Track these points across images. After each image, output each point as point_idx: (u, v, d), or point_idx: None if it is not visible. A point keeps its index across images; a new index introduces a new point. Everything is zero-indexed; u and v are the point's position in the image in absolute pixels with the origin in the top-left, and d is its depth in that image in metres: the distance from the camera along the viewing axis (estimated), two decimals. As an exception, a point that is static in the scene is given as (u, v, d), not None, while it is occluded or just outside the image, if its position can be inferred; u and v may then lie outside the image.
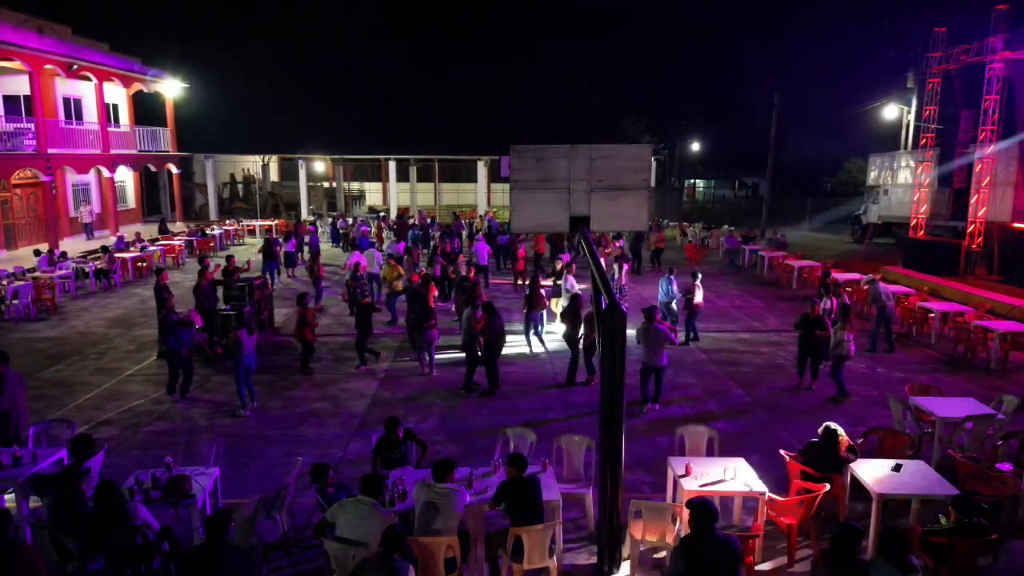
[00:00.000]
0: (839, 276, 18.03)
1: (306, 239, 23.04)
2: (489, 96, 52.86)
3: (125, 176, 32.31)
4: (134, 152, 31.28)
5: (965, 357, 13.32)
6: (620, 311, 5.03)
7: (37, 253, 19.90)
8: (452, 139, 41.84)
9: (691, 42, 58.54)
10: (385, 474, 6.75)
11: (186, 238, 26.48)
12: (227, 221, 32.50)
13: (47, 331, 15.10)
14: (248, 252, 24.22)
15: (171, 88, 33.21)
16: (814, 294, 14.93)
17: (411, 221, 27.94)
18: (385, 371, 12.44)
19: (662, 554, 6.62)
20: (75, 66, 26.34)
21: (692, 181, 55.74)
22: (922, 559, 5.72)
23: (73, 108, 28.75)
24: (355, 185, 44.98)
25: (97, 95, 28.57)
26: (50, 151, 24.99)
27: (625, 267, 18.50)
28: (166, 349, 11.08)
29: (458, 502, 6.04)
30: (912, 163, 27.13)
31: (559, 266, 16.28)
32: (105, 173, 28.96)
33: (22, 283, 16.50)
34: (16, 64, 23.82)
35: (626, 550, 6.50)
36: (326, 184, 43.19)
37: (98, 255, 20.73)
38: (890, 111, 33.10)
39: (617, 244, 21.22)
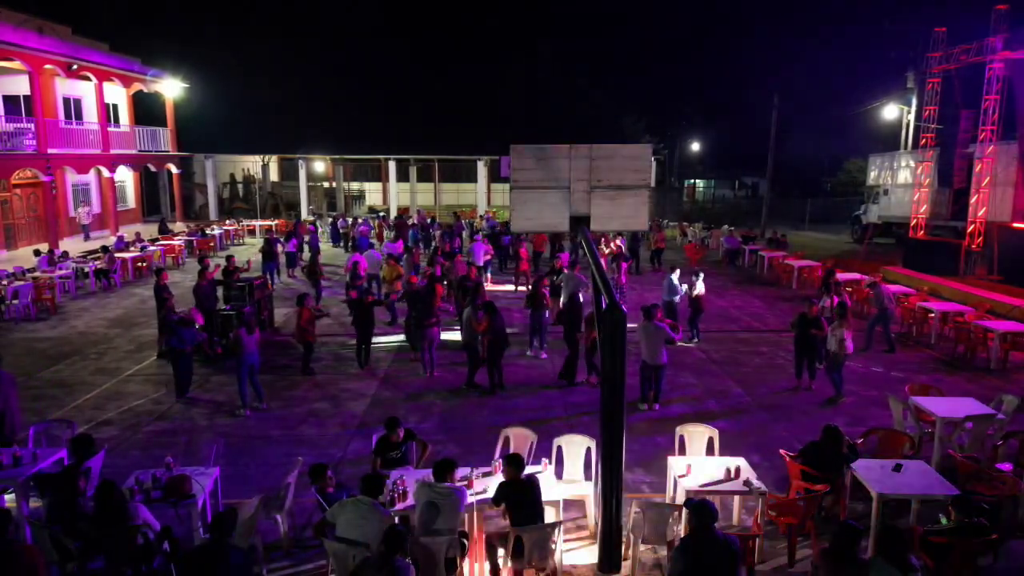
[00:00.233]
0: (839, 276, 18.01)
1: (306, 239, 23.04)
2: (489, 96, 52.87)
3: (125, 176, 32.31)
4: (134, 152, 31.28)
5: (965, 357, 13.32)
6: (620, 311, 5.02)
7: (37, 253, 19.90)
8: (452, 139, 41.86)
9: (691, 42, 58.58)
10: (385, 474, 6.75)
11: (186, 238, 26.47)
12: (227, 221, 32.50)
13: (47, 331, 15.10)
14: (248, 252, 24.23)
15: (171, 88, 33.21)
16: (814, 294, 14.95)
17: (410, 221, 27.95)
18: (385, 371, 12.44)
19: (662, 554, 6.62)
20: (75, 66, 26.35)
21: (692, 181, 55.74)
22: (922, 559, 5.73)
23: (73, 108, 28.75)
24: (355, 185, 45.00)
25: (97, 95, 28.58)
26: (50, 151, 24.99)
27: (623, 266, 18.49)
28: (168, 348, 11.05)
29: (459, 502, 6.04)
30: (912, 163, 27.14)
31: (557, 264, 16.31)
32: (105, 173, 28.96)
33: (22, 283, 16.50)
34: (16, 64, 23.82)
35: (626, 550, 6.50)
36: (326, 184, 43.20)
37: (98, 255, 20.74)
38: (890, 111, 33.11)
39: (616, 243, 21.20)
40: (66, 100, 28.30)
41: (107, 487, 5.81)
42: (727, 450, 8.00)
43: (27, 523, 6.53)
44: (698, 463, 7.15)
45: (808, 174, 50.36)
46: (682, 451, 7.87)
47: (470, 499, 6.33)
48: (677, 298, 14.19)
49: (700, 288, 13.93)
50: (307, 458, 7.74)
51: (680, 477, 6.91)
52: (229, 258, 15.31)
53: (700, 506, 5.34)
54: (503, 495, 6.18)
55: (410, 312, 12.87)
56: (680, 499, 6.72)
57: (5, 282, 16.55)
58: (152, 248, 23.43)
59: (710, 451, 7.84)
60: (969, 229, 20.78)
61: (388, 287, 15.76)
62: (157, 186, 35.21)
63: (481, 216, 33.03)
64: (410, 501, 6.34)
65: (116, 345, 14.03)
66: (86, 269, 19.67)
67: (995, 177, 20.88)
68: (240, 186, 42.17)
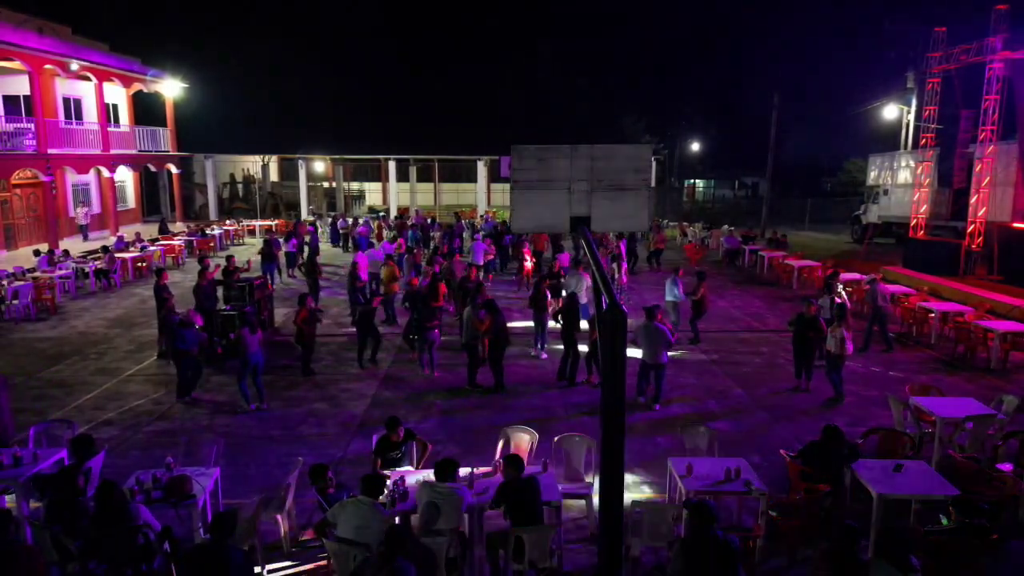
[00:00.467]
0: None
1: (306, 239, 23.03)
2: (489, 96, 52.89)
3: (125, 176, 32.31)
4: (134, 152, 31.28)
5: (965, 357, 13.31)
6: (620, 311, 5.02)
7: (37, 253, 19.90)
8: (452, 139, 41.88)
9: (691, 42, 58.58)
10: (386, 474, 6.75)
11: (186, 238, 26.46)
12: (227, 221, 32.49)
13: (47, 331, 15.10)
14: (248, 252, 24.23)
15: (171, 88, 33.22)
16: (814, 294, 14.94)
17: (409, 222, 27.97)
18: (385, 371, 12.44)
19: (663, 555, 6.61)
20: (75, 66, 26.34)
21: (692, 181, 55.74)
22: (922, 559, 5.73)
23: (73, 108, 28.75)
24: (355, 185, 44.98)
25: (97, 95, 28.58)
26: (50, 151, 25.00)
27: (623, 267, 18.50)
28: (173, 349, 11.00)
29: (460, 502, 6.05)
30: (912, 163, 27.13)
31: (556, 267, 16.33)
32: (105, 173, 28.96)
33: (22, 283, 16.50)
34: (16, 64, 23.82)
35: (626, 551, 6.50)
36: (326, 184, 43.20)
37: (98, 255, 20.73)
38: (890, 111, 33.11)
39: (615, 245, 21.19)
40: (66, 100, 28.30)
41: (108, 487, 5.81)
42: (727, 450, 8.00)
43: (27, 523, 6.53)
44: (698, 463, 7.15)
45: (808, 174, 50.37)
46: (682, 451, 7.87)
47: (472, 499, 6.33)
48: (678, 298, 14.19)
49: (675, 295, 14.01)
50: (307, 458, 7.74)
51: (681, 477, 6.90)
52: (229, 258, 15.31)
53: (700, 507, 5.35)
54: (503, 496, 6.18)
55: (412, 313, 12.86)
56: (680, 500, 6.72)
57: (5, 282, 16.55)
58: (152, 248, 23.42)
59: (710, 451, 7.84)
60: (969, 229, 20.77)
61: (386, 287, 15.76)
62: (157, 186, 35.22)
63: (481, 216, 33.04)
64: (410, 502, 6.34)
65: (116, 345, 14.03)
66: (86, 269, 19.66)
67: (995, 177, 20.87)
68: (240, 186, 42.16)
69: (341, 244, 28.09)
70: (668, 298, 14.23)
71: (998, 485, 7.08)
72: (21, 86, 25.74)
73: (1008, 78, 19.74)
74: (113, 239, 25.03)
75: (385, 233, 26.61)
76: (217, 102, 43.02)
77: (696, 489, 6.66)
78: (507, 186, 8.33)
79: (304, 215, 35.78)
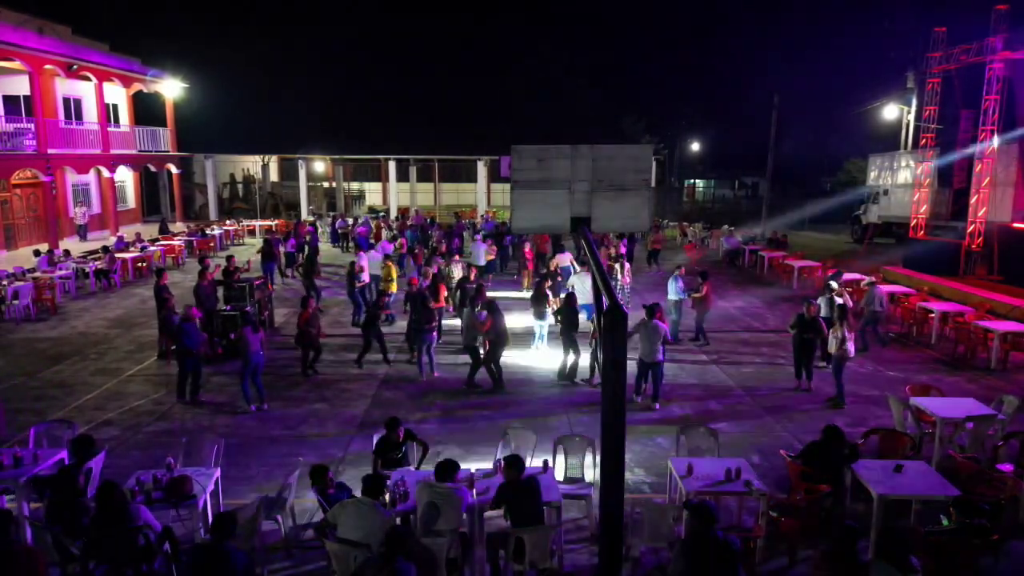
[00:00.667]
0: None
1: (306, 239, 23.02)
2: (489, 96, 52.88)
3: (125, 176, 32.30)
4: (134, 152, 31.28)
5: (965, 357, 13.31)
6: (621, 311, 5.02)
7: (37, 253, 19.90)
8: (452, 139, 41.90)
9: (691, 42, 58.52)
10: (386, 475, 6.75)
11: (186, 238, 26.46)
12: (227, 221, 32.48)
13: (47, 331, 15.10)
14: (248, 252, 24.22)
15: (171, 88, 33.21)
16: (813, 294, 14.93)
17: (408, 222, 27.96)
18: (385, 372, 12.44)
19: (663, 555, 6.61)
20: (75, 66, 26.34)
21: (692, 181, 55.75)
22: (923, 560, 5.73)
23: (73, 108, 28.74)
24: (355, 185, 44.98)
25: (97, 95, 28.57)
26: (50, 151, 24.99)
27: (627, 267, 18.46)
28: (179, 347, 10.97)
29: (460, 502, 6.05)
30: (912, 163, 27.13)
31: (552, 266, 16.33)
32: (105, 173, 28.96)
33: (22, 283, 16.49)
34: (16, 64, 23.81)
35: (627, 551, 6.50)
36: (326, 184, 43.20)
37: (98, 255, 20.74)
38: (890, 111, 33.10)
39: (615, 246, 21.18)
40: (66, 100, 28.29)
41: (108, 488, 5.81)
42: (728, 451, 8.00)
43: (28, 524, 6.53)
44: (699, 464, 7.15)
45: (808, 174, 50.36)
46: (683, 451, 7.88)
47: (472, 499, 6.33)
48: (680, 296, 14.19)
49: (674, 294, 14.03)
50: (308, 459, 7.75)
51: (681, 478, 6.91)
52: (229, 258, 15.31)
53: (700, 507, 5.35)
54: (504, 497, 6.18)
55: (411, 314, 12.85)
56: (681, 500, 6.72)
57: (5, 282, 16.55)
58: (152, 248, 23.42)
59: (711, 452, 7.84)
60: (969, 229, 20.77)
61: (384, 286, 15.77)
62: (157, 186, 35.20)
63: (481, 216, 33.04)
64: (411, 502, 6.34)
65: (116, 345, 14.02)
66: (86, 269, 19.66)
67: (995, 177, 20.87)
68: (240, 186, 42.15)
69: (341, 244, 28.10)
70: (671, 296, 14.24)
71: (998, 485, 7.08)
72: (21, 86, 25.73)
73: (1008, 78, 19.74)
74: (113, 239, 25.03)
75: (384, 233, 26.61)
76: (217, 102, 43.02)
77: (696, 489, 6.66)
78: (507, 186, 8.32)
79: (304, 215, 35.78)
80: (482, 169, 37.91)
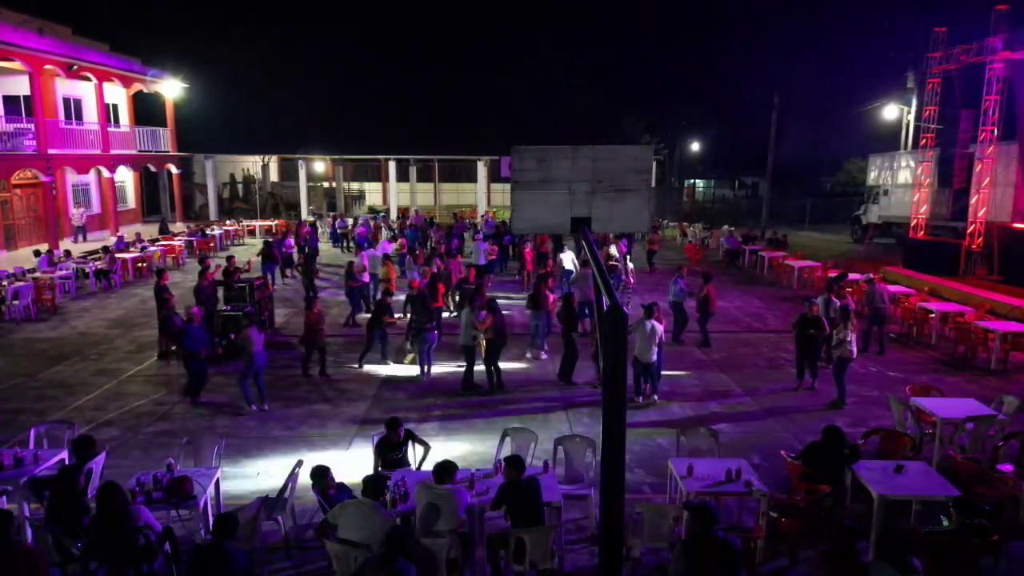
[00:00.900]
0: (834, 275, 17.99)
1: (306, 239, 23.03)
2: (489, 96, 52.87)
3: (125, 176, 32.30)
4: (134, 152, 31.28)
5: (965, 358, 13.32)
6: (621, 311, 5.02)
7: (37, 254, 19.90)
8: (452, 139, 41.86)
9: (691, 42, 58.47)
10: (386, 475, 6.75)
11: (186, 238, 26.46)
12: (227, 221, 32.49)
13: (47, 332, 15.10)
14: (248, 252, 24.22)
15: (171, 88, 33.21)
16: (814, 295, 14.92)
17: (408, 222, 27.95)
18: (386, 372, 12.43)
19: (664, 556, 6.61)
20: (75, 66, 26.34)
21: (692, 181, 55.71)
22: (923, 560, 5.73)
23: (73, 108, 28.74)
24: (355, 185, 44.98)
25: (97, 95, 28.57)
26: (50, 151, 24.99)
27: (631, 267, 18.46)
28: (182, 350, 10.97)
29: (459, 504, 6.05)
30: (912, 163, 27.13)
31: (550, 266, 16.33)
32: (105, 173, 28.96)
33: (22, 284, 16.49)
34: (16, 64, 23.81)
35: (627, 552, 6.50)
36: (326, 184, 43.21)
37: (99, 255, 20.74)
38: (890, 111, 33.11)
39: (617, 244, 21.17)
40: (66, 100, 28.29)
41: (109, 488, 5.81)
42: (728, 451, 8.00)
43: (28, 524, 6.54)
44: (699, 464, 7.15)
45: (808, 174, 50.34)
46: (683, 452, 7.88)
47: (471, 500, 6.33)
48: (680, 297, 14.18)
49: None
50: (308, 459, 7.74)
51: (681, 478, 6.91)
52: (229, 259, 15.31)
53: (700, 508, 5.35)
54: (503, 498, 6.19)
55: (411, 315, 12.85)
56: (681, 500, 6.72)
57: (5, 283, 16.55)
58: (152, 248, 23.42)
59: (711, 452, 7.84)
60: (969, 229, 20.77)
61: (384, 286, 15.77)
62: (157, 186, 35.18)
63: (481, 216, 33.04)
64: (411, 503, 6.34)
65: (117, 346, 14.03)
66: (86, 269, 19.67)
67: (995, 177, 20.88)
68: (240, 186, 42.17)
69: (341, 244, 28.09)
70: (671, 298, 14.23)
71: (999, 486, 7.08)
72: (21, 86, 25.73)
73: (1008, 78, 19.74)
74: (113, 239, 25.02)
75: (384, 233, 26.61)
76: (217, 102, 43.01)
77: (697, 490, 6.66)
78: (507, 186, 8.32)
79: (304, 215, 35.79)
80: (482, 169, 37.91)
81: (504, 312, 12.07)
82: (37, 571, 5.17)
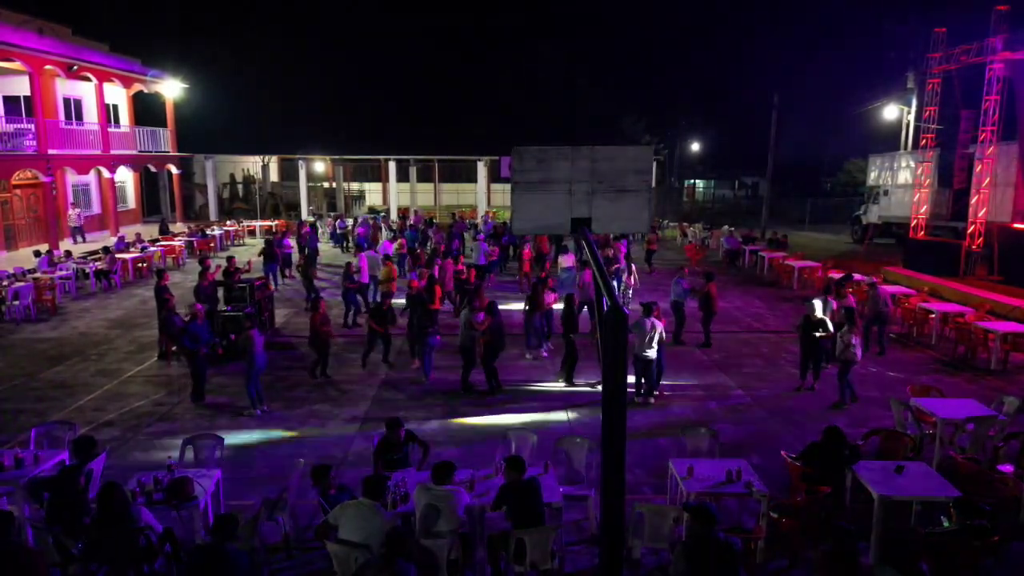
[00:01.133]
0: (836, 276, 17.96)
1: (305, 240, 23.01)
2: (489, 96, 52.89)
3: (125, 176, 32.30)
4: (134, 152, 31.27)
5: (966, 358, 13.31)
6: (622, 312, 5.02)
7: (37, 254, 19.90)
8: (452, 139, 41.88)
9: (691, 42, 58.52)
10: (387, 476, 6.75)
11: (186, 239, 26.45)
12: (227, 222, 32.48)
13: (48, 332, 15.10)
14: (248, 253, 24.22)
15: (171, 88, 33.20)
16: (815, 295, 14.92)
17: (408, 222, 27.95)
18: (386, 372, 12.44)
19: (664, 556, 6.62)
20: (75, 66, 26.33)
21: (692, 181, 55.72)
22: (924, 561, 5.73)
23: (73, 108, 28.73)
24: (355, 185, 44.99)
25: (97, 95, 28.56)
26: (50, 152, 24.98)
27: (633, 268, 18.45)
28: (184, 349, 10.95)
29: (458, 504, 6.05)
30: (912, 163, 27.13)
31: (547, 268, 16.33)
32: (105, 174, 28.95)
33: (22, 284, 16.49)
34: (16, 64, 23.81)
35: (628, 552, 6.50)
36: (326, 184, 43.21)
37: (99, 256, 20.74)
38: (890, 111, 33.11)
39: (617, 246, 21.16)
40: (66, 100, 28.27)
41: (110, 489, 5.81)
42: (728, 452, 8.00)
43: (28, 525, 6.53)
44: (699, 465, 7.15)
45: (808, 174, 50.35)
46: (683, 453, 7.88)
47: (470, 500, 6.32)
48: (682, 297, 14.18)
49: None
50: (308, 459, 7.74)
51: (682, 479, 6.91)
52: (230, 259, 15.32)
53: (701, 509, 5.35)
54: (504, 498, 6.19)
55: (411, 317, 12.85)
56: (681, 501, 6.72)
57: (6, 283, 16.55)
58: (152, 249, 23.42)
59: (711, 453, 7.85)
60: (969, 230, 20.77)
61: (384, 287, 15.77)
62: (157, 186, 35.18)
63: (481, 217, 33.05)
64: (412, 504, 6.34)
65: (117, 346, 14.03)
66: (86, 270, 19.67)
67: (995, 177, 20.88)
68: (240, 186, 42.16)
69: (342, 245, 28.09)
70: (673, 298, 14.23)
71: (999, 486, 7.09)
72: (21, 86, 25.72)
73: (1008, 78, 19.74)
74: (113, 240, 25.01)
75: (384, 233, 26.61)
76: (217, 102, 43.01)
77: (697, 491, 6.67)
78: (507, 186, 8.32)
79: (304, 215, 35.79)
80: (482, 169, 37.91)
81: (502, 310, 12.05)
82: (37, 572, 5.17)
